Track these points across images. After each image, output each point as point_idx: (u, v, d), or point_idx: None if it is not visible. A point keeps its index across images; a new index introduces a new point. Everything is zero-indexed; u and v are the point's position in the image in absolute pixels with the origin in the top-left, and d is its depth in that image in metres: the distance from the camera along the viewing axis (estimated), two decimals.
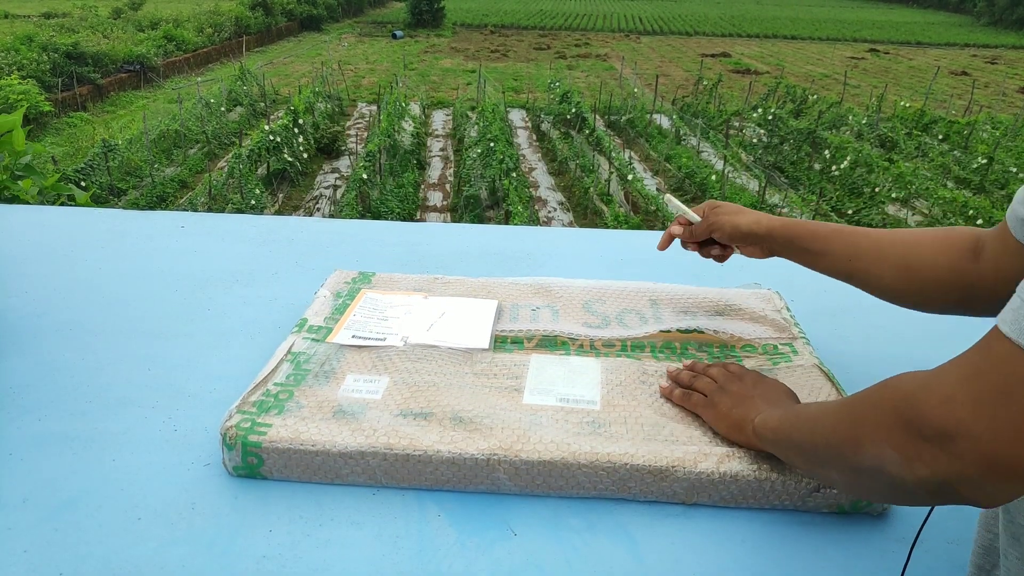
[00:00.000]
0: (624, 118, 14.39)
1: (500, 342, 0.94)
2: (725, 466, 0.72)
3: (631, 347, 0.95)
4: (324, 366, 0.87)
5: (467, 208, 9.58)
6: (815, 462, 0.63)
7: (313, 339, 0.93)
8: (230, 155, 11.01)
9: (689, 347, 0.95)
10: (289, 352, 0.90)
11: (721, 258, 1.00)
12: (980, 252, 0.77)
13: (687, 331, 0.97)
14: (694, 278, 1.13)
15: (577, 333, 0.96)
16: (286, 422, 0.76)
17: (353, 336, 0.94)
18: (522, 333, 0.96)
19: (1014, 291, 0.67)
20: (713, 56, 24.74)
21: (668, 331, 0.97)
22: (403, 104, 14.19)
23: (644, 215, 9.21)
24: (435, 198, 10.51)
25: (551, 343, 0.95)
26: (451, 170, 11.72)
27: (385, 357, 0.90)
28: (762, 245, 0.93)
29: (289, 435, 0.74)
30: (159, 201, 9.43)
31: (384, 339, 0.94)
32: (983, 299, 0.76)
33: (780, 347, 0.95)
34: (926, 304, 0.82)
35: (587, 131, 12.54)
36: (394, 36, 28.48)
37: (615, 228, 8.08)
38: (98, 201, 8.94)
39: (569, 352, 0.93)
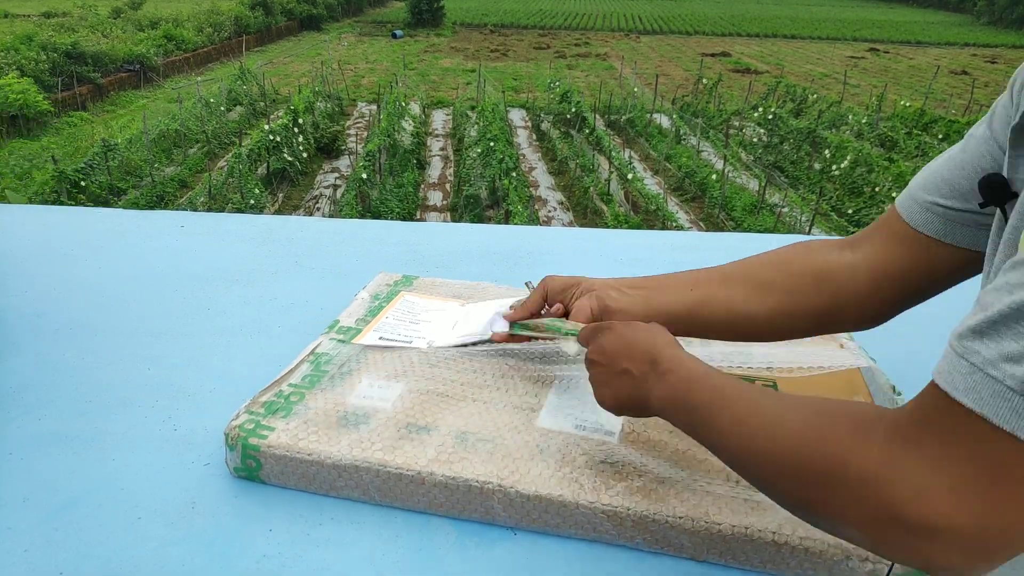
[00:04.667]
0: (624, 118, 14.38)
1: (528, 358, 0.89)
2: (746, 521, 0.65)
3: None
4: (343, 368, 0.85)
5: (467, 208, 9.58)
6: (743, 473, 0.57)
7: (340, 340, 0.91)
8: (230, 155, 11.01)
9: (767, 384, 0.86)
10: (312, 352, 0.88)
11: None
12: (853, 246, 0.72)
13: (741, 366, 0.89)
14: None
15: None
16: (288, 426, 0.75)
17: (380, 338, 0.92)
18: (554, 352, 0.90)
19: (889, 292, 0.67)
20: (713, 55, 24.73)
21: (744, 366, 0.89)
22: (403, 104, 14.18)
23: (644, 215, 9.21)
24: (435, 198, 10.51)
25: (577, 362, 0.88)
26: (451, 170, 11.71)
27: (406, 360, 0.87)
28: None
29: (288, 441, 0.73)
30: (159, 201, 9.43)
31: (410, 342, 0.92)
32: (856, 304, 0.70)
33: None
34: (790, 319, 0.74)
35: (587, 131, 12.53)
36: (394, 36, 28.47)
37: (615, 228, 8.08)
38: (98, 201, 8.95)
39: None
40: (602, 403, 0.69)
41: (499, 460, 0.71)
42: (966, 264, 0.64)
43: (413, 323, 0.96)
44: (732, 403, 0.57)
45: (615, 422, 0.78)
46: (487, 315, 0.92)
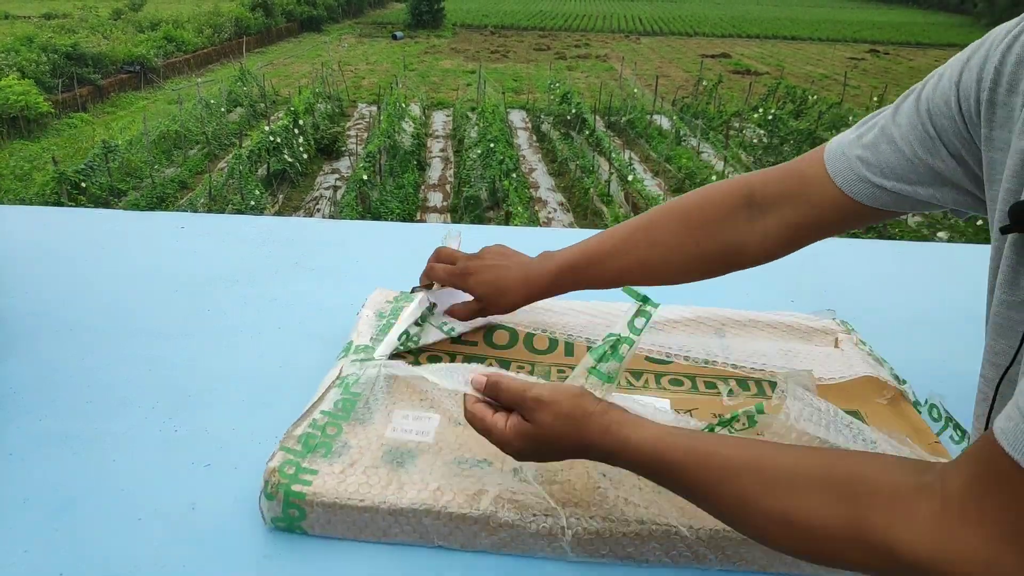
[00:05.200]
0: (624, 119, 14.39)
1: (560, 374, 0.87)
2: None
3: (704, 385, 0.86)
4: (374, 390, 0.80)
5: (467, 209, 9.58)
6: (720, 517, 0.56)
7: (362, 359, 0.85)
8: (230, 156, 11.02)
9: (764, 386, 0.86)
10: (339, 377, 0.82)
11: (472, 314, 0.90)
12: (764, 210, 0.74)
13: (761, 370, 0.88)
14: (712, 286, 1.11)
15: (639, 369, 0.88)
16: (333, 468, 0.69)
17: (398, 339, 0.87)
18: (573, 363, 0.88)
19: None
20: (713, 57, 24.75)
21: (739, 366, 0.89)
22: (403, 105, 14.20)
23: None
24: (435, 199, 10.51)
25: (610, 378, 0.84)
26: (451, 171, 11.72)
27: (431, 383, 0.78)
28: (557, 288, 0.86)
29: (335, 484, 0.67)
30: (159, 202, 9.43)
31: (430, 336, 0.89)
32: (758, 261, 0.76)
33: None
34: (687, 277, 0.80)
35: (587, 132, 12.54)
36: (394, 37, 28.50)
37: None
38: (98, 202, 8.96)
39: (635, 387, 0.84)
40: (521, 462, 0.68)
41: (562, 492, 0.67)
42: (872, 219, 0.69)
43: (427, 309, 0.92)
44: (732, 477, 0.53)
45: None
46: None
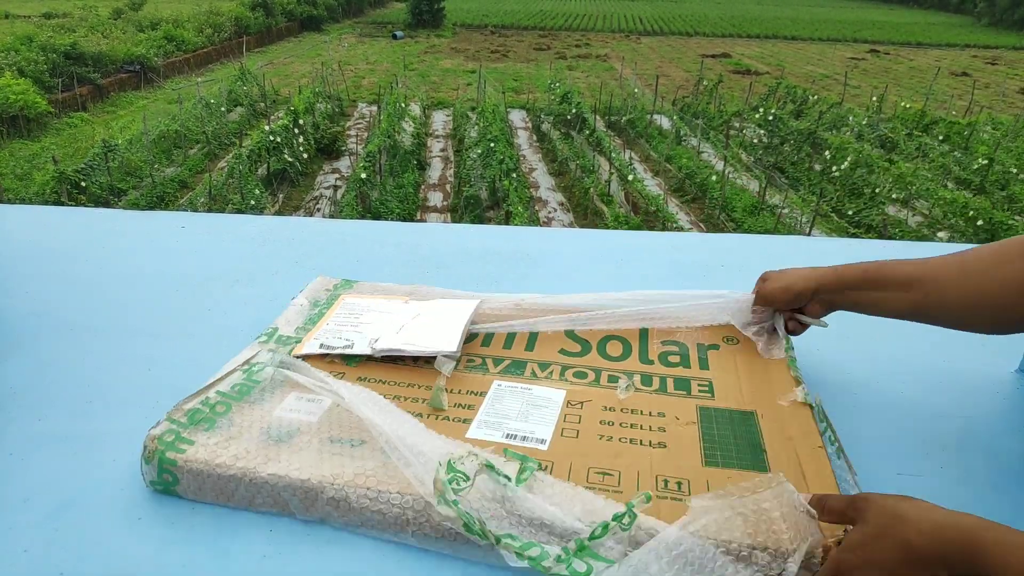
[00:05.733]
0: (624, 118, 14.38)
1: (469, 363, 0.88)
2: (670, 530, 0.61)
3: (606, 378, 0.86)
4: (274, 379, 0.82)
5: (467, 209, 9.57)
6: None
7: (275, 352, 0.88)
8: (230, 155, 11.01)
9: (668, 382, 0.85)
10: (247, 362, 0.85)
11: (797, 330, 0.92)
12: None
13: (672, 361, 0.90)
14: (697, 281, 1.12)
15: (548, 360, 0.89)
16: (209, 440, 0.73)
17: (321, 346, 0.89)
18: (491, 357, 0.90)
19: None
20: (713, 56, 24.73)
21: (651, 362, 0.89)
22: (403, 104, 14.19)
23: (644, 216, 9.20)
24: (435, 198, 10.51)
25: (519, 367, 0.88)
26: (451, 170, 11.72)
27: (339, 370, 0.85)
28: (819, 301, 0.87)
29: (206, 456, 0.71)
30: (159, 201, 9.42)
31: (352, 345, 0.89)
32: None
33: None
34: (1003, 318, 0.74)
35: (587, 131, 12.53)
36: (394, 36, 28.48)
37: (615, 229, 8.08)
38: (98, 201, 8.95)
39: (537, 378, 0.86)
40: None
41: (424, 475, 0.68)
42: None
43: (354, 326, 0.93)
44: None
45: (548, 430, 0.76)
46: (436, 323, 0.92)
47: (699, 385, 0.84)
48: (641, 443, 0.74)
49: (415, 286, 1.06)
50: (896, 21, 42.32)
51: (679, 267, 1.20)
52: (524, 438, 0.75)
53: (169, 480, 0.71)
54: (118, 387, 0.90)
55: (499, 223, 8.62)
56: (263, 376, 0.82)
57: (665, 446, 0.74)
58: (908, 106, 14.66)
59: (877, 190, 9.83)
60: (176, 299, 1.12)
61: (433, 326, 0.92)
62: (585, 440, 0.75)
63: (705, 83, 16.80)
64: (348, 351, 0.88)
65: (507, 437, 0.75)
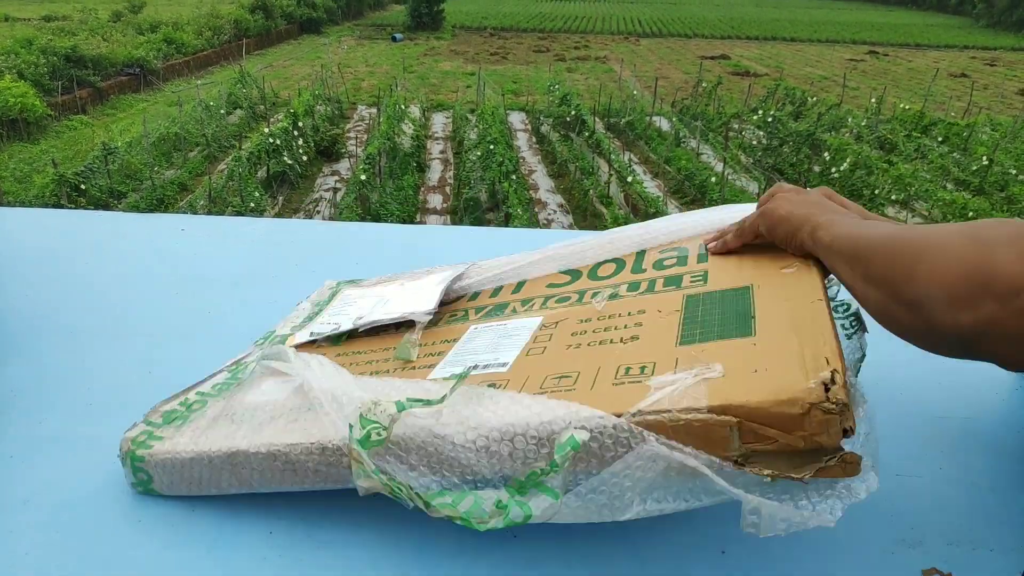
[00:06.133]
0: (623, 120, 14.40)
1: (451, 317, 0.83)
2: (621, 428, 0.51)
3: (590, 296, 0.75)
4: (254, 372, 0.78)
5: (467, 211, 9.58)
6: (863, 277, 0.60)
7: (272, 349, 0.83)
8: (230, 158, 11.02)
9: (657, 282, 0.74)
10: (234, 362, 0.83)
11: None
12: None
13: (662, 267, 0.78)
14: None
15: (533, 296, 0.80)
16: (176, 435, 0.71)
17: (311, 334, 0.86)
18: (475, 307, 0.83)
19: None
20: (712, 58, 24.76)
21: (642, 270, 0.78)
22: (403, 107, 14.20)
23: (644, 217, 9.21)
24: (435, 201, 10.51)
25: (500, 309, 0.80)
26: (451, 173, 11.73)
27: (317, 350, 0.82)
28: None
29: (170, 447, 0.70)
30: (159, 204, 9.43)
31: (339, 326, 0.85)
32: None
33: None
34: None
35: (587, 133, 12.54)
36: (394, 39, 28.51)
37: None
38: (98, 204, 8.96)
39: (516, 313, 0.77)
40: (773, 210, 0.71)
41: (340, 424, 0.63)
42: None
43: (345, 311, 0.89)
44: (878, 224, 0.63)
45: (513, 354, 0.67)
46: (419, 290, 0.87)
47: (692, 277, 0.72)
48: (612, 342, 0.63)
49: (417, 271, 1.03)
50: (894, 22, 42.35)
51: None
52: (486, 366, 0.66)
53: (144, 479, 0.71)
54: (118, 390, 0.90)
55: (499, 225, 8.62)
56: (246, 373, 0.80)
57: (637, 339, 0.63)
58: (907, 107, 14.68)
59: (876, 191, 9.84)
60: (176, 302, 1.12)
61: (415, 293, 0.87)
62: (551, 355, 0.65)
63: (704, 85, 16.82)
64: (335, 332, 0.85)
65: (467, 368, 0.65)
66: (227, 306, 1.11)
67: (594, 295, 0.75)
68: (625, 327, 0.65)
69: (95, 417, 0.84)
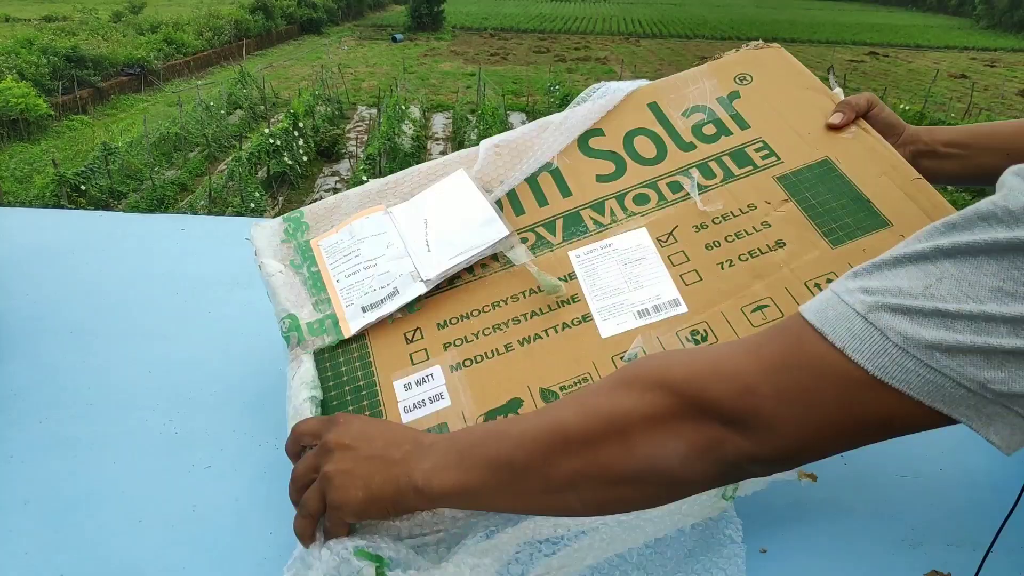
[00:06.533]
0: None
1: (527, 244, 0.74)
2: None
3: (668, 189, 0.75)
4: (360, 380, 0.67)
5: None
6: (545, 487, 0.50)
7: (325, 343, 0.71)
8: (230, 158, 11.03)
9: (728, 163, 0.77)
10: (304, 384, 0.68)
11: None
12: None
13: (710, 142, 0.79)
14: None
15: (598, 197, 0.76)
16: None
17: (364, 309, 0.71)
18: (538, 223, 0.75)
19: None
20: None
21: (691, 146, 0.79)
22: (403, 107, 14.20)
23: None
24: None
25: (576, 223, 0.74)
26: None
27: (412, 331, 0.70)
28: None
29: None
30: (159, 204, 9.43)
31: (395, 291, 0.71)
32: None
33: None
34: None
35: None
36: (394, 39, 28.52)
37: None
38: (98, 204, 8.96)
39: (604, 227, 0.73)
40: (343, 500, 0.54)
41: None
42: None
43: (369, 266, 0.73)
44: (507, 425, 0.54)
45: (670, 286, 0.67)
46: (455, 216, 0.74)
47: (756, 150, 0.77)
48: (761, 251, 0.68)
49: (377, 189, 0.82)
50: (895, 23, 42.37)
51: None
52: (657, 308, 0.66)
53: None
54: (118, 389, 0.90)
55: None
56: (345, 379, 0.69)
57: (784, 244, 0.68)
58: (907, 108, 14.68)
59: None
60: (176, 301, 1.12)
61: (457, 220, 0.74)
62: (712, 278, 0.67)
63: None
64: (397, 299, 0.70)
65: (639, 315, 0.66)
66: (227, 306, 1.11)
67: (671, 187, 0.75)
68: (755, 229, 0.69)
69: (95, 416, 0.84)
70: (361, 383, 0.67)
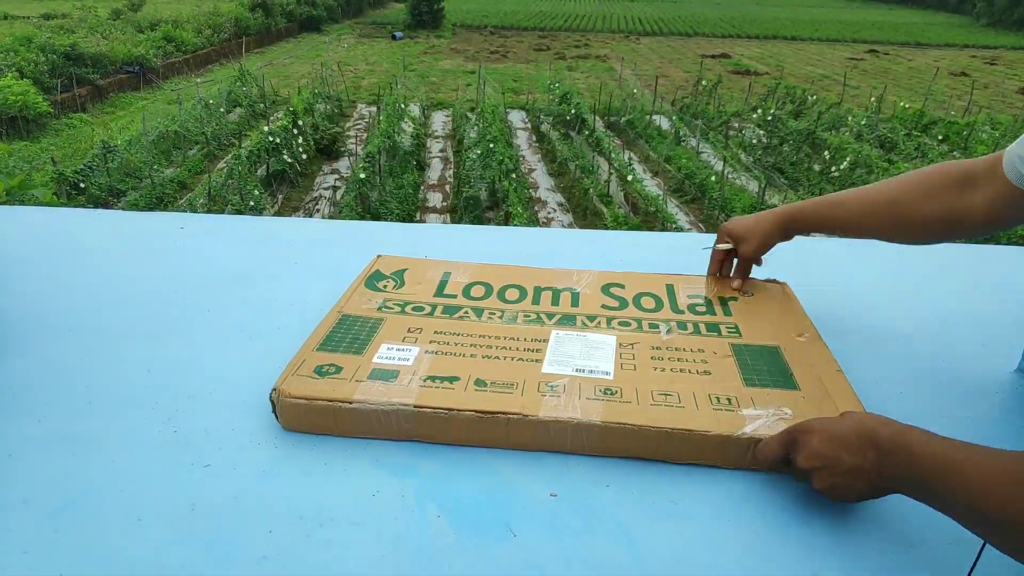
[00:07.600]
0: (624, 119, 14.38)
1: (526, 318, 1.01)
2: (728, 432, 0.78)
3: (647, 326, 1.00)
4: (362, 336, 0.95)
5: (467, 209, 9.57)
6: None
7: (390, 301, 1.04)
8: (229, 156, 11.01)
9: (701, 326, 1.00)
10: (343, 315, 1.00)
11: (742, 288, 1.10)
12: (971, 185, 0.86)
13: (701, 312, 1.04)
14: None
15: (595, 313, 1.03)
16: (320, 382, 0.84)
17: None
18: (544, 312, 1.03)
19: (1003, 223, 0.84)
20: (713, 57, 24.73)
21: (682, 312, 1.04)
22: (403, 105, 14.19)
23: (644, 216, 9.21)
24: (435, 199, 10.50)
25: (570, 320, 1.01)
26: (451, 171, 11.72)
27: (415, 326, 0.97)
28: (787, 230, 1.04)
29: (322, 390, 0.82)
30: (158, 202, 9.42)
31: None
32: (969, 229, 0.87)
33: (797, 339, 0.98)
34: (916, 240, 0.96)
35: (587, 132, 12.53)
36: (394, 37, 28.48)
37: (615, 229, 8.08)
38: (97, 202, 8.95)
39: (588, 327, 0.99)
40: (844, 500, 0.72)
41: (519, 398, 0.81)
42: None
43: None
44: (957, 471, 0.61)
45: (609, 365, 0.89)
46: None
47: (727, 328, 0.99)
48: (689, 372, 0.89)
49: (459, 262, 1.17)
50: (895, 21, 42.33)
51: (678, 268, 1.20)
52: (591, 371, 0.88)
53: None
54: (117, 388, 0.90)
55: (498, 224, 8.62)
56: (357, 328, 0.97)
57: (710, 373, 0.88)
58: (907, 106, 14.67)
59: None
60: (175, 300, 1.12)
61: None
62: (642, 371, 0.88)
63: (704, 83, 16.80)
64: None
65: (576, 371, 0.87)
66: (226, 304, 1.11)
67: (650, 326, 1.00)
68: (694, 361, 0.91)
69: (94, 415, 0.85)
70: (362, 337, 0.94)
